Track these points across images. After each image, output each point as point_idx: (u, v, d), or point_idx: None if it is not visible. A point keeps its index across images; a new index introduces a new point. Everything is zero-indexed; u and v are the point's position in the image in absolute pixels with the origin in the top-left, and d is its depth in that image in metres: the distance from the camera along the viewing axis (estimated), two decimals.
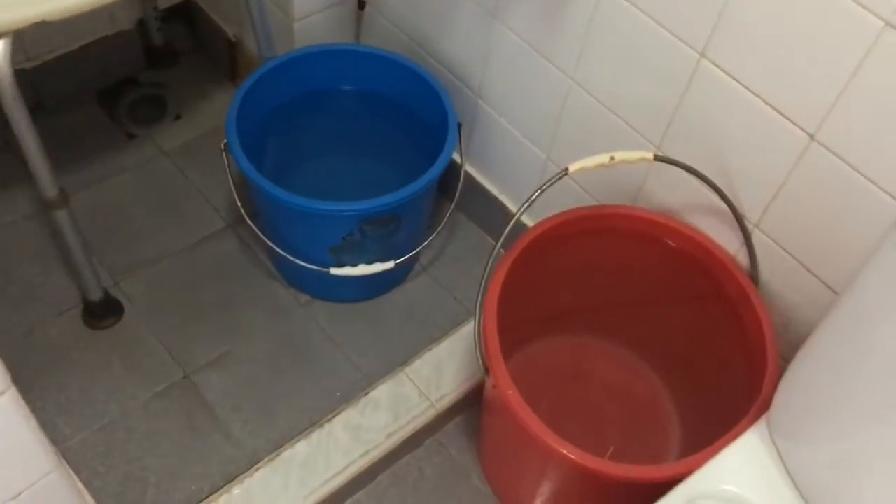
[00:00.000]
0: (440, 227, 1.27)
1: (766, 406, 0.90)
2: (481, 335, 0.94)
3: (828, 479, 0.79)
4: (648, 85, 1.01)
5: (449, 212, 1.28)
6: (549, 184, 0.93)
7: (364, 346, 1.30)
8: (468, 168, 1.37)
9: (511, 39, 1.17)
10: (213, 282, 1.34)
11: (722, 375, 1.09)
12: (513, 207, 1.36)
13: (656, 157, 0.97)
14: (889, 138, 0.81)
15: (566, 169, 0.93)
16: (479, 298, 0.95)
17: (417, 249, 1.26)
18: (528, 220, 1.27)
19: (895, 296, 0.65)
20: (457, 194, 1.28)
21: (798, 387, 0.81)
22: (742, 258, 1.05)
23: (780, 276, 1.01)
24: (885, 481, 0.73)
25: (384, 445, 1.15)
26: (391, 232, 1.21)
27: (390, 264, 1.24)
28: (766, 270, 1.03)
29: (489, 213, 1.40)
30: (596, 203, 1.15)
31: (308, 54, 1.30)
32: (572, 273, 1.15)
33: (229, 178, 1.23)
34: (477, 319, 0.95)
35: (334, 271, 1.22)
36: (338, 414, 1.18)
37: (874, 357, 0.69)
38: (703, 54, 0.94)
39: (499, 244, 0.94)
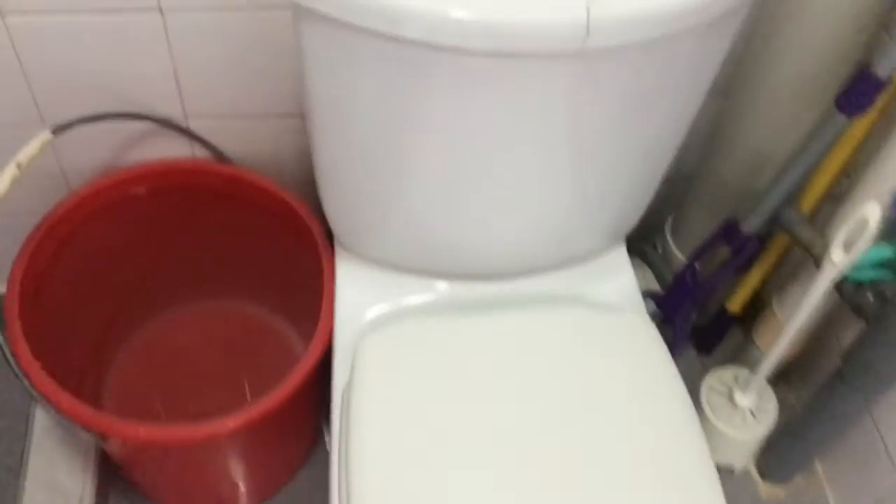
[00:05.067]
0: None
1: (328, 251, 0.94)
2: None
3: (398, 236, 0.85)
4: None
5: None
6: None
7: None
8: None
9: None
10: None
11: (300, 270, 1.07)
12: None
13: (55, 131, 0.86)
14: None
15: None
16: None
17: None
18: None
19: (340, 75, 0.68)
20: None
21: (332, 197, 0.84)
22: (202, 152, 1.02)
23: (235, 141, 1.02)
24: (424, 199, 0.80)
25: None
26: None
27: None
28: (225, 143, 1.02)
29: None
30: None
31: None
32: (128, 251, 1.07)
33: None
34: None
35: None
36: None
37: (361, 130, 0.74)
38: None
39: None
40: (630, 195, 0.86)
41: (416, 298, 0.89)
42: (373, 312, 0.87)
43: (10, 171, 0.80)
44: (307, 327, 0.90)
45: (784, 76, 0.91)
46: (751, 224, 0.93)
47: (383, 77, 0.66)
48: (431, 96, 0.67)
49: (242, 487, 1.10)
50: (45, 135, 0.85)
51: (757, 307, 1.17)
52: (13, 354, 0.81)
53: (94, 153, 1.00)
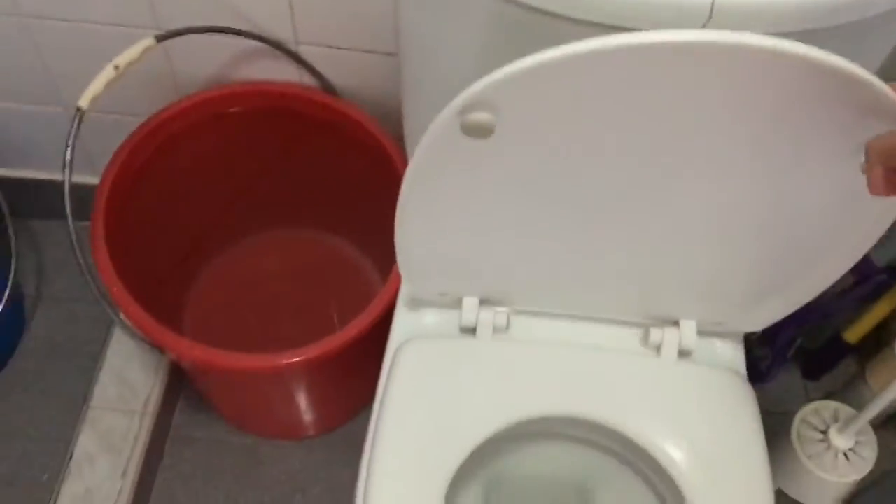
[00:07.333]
0: (13, 240, 1.07)
1: None
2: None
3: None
4: None
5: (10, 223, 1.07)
6: (73, 135, 0.78)
7: (27, 421, 1.09)
8: None
9: None
10: None
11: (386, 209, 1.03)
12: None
13: (158, 38, 0.85)
14: None
15: (78, 108, 0.79)
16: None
17: (13, 272, 1.06)
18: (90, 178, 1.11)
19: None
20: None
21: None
22: (308, 80, 0.99)
23: (344, 74, 0.98)
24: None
25: (124, 487, 1.01)
26: None
27: None
28: (334, 76, 0.99)
29: (40, 198, 1.20)
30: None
31: None
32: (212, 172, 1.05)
33: None
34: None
35: None
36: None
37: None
38: None
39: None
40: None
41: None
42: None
43: (107, 72, 0.79)
44: (387, 265, 0.87)
45: None
46: (881, 255, 0.81)
47: (484, 35, 0.60)
48: None
49: (304, 418, 1.11)
50: (148, 41, 0.84)
51: (878, 341, 1.04)
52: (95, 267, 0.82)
53: (206, 65, 0.98)
